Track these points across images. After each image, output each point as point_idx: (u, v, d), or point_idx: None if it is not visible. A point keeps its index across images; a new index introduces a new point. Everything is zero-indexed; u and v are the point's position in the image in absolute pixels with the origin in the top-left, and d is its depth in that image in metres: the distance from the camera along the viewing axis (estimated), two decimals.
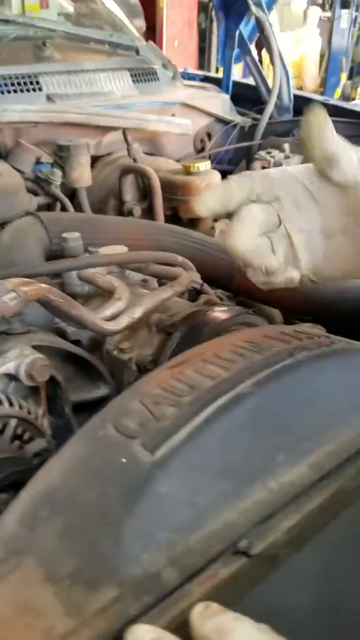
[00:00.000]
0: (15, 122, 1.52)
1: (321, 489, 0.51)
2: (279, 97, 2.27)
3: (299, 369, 0.59)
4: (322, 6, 8.15)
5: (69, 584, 0.43)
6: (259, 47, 2.39)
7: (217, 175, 1.76)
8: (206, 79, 2.60)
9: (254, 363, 0.60)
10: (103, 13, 2.34)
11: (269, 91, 2.27)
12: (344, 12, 6.92)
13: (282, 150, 2.04)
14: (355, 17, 7.24)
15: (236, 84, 2.44)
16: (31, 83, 1.69)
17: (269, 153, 2.02)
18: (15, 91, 1.65)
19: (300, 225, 0.65)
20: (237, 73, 3.08)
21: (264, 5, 2.19)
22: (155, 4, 5.87)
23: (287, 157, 2.04)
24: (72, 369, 0.80)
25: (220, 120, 2.21)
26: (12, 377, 0.71)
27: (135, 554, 0.43)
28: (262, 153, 2.03)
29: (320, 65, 7.87)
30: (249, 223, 0.65)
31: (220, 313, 0.84)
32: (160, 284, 1.01)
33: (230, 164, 2.29)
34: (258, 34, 2.34)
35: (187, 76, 2.57)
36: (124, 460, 0.50)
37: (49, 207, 1.57)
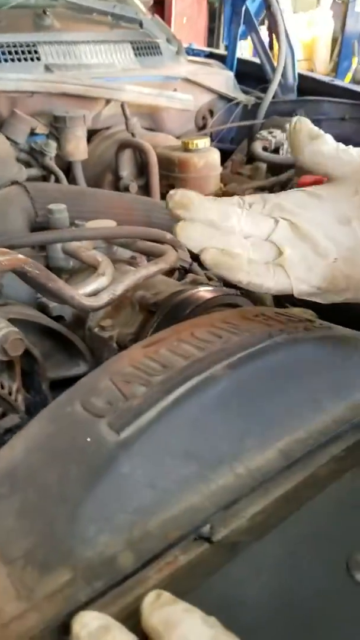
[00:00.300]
0: (10, 90, 1.49)
1: (289, 476, 0.49)
2: (284, 75, 2.22)
3: (276, 352, 0.58)
4: None
5: (23, 565, 0.42)
6: (271, 31, 2.34)
7: (216, 153, 1.73)
8: (211, 56, 2.55)
9: (230, 344, 0.58)
10: None
11: (274, 70, 2.22)
12: None
13: (284, 130, 2.00)
14: None
15: (241, 61, 2.40)
16: (29, 52, 1.66)
17: (270, 133, 1.98)
18: (12, 60, 1.62)
19: (310, 217, 0.58)
20: (248, 53, 3.03)
21: None
22: None
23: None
24: (51, 345, 0.78)
25: (223, 97, 2.17)
26: None
27: (91, 536, 0.42)
28: (264, 133, 1.99)
29: (333, 48, 7.73)
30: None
31: (204, 293, 0.82)
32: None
33: (232, 143, 2.25)
34: (265, 11, 2.29)
35: (191, 52, 2.52)
36: (88, 439, 0.49)
37: (43, 180, 1.54)
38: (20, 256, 0.67)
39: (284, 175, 1.84)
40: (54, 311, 0.85)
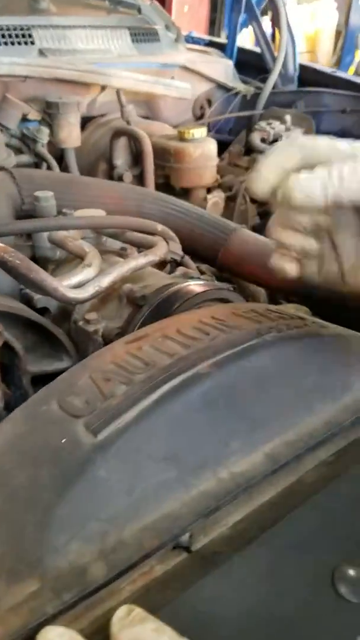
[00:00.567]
0: (2, 75, 1.45)
1: (275, 482, 0.47)
2: (284, 65, 2.18)
3: (264, 350, 0.55)
4: None
5: None
6: (274, 22, 2.29)
7: (213, 144, 1.69)
8: (211, 44, 2.50)
9: (217, 342, 0.56)
10: None
11: (275, 60, 2.18)
12: None
13: (283, 121, 1.97)
14: None
15: (241, 51, 2.35)
16: (23, 36, 1.61)
17: (269, 124, 1.94)
18: (5, 43, 1.57)
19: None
20: (250, 44, 2.98)
21: None
22: None
23: (287, 129, 1.96)
24: (33, 338, 0.76)
25: (221, 86, 2.13)
26: None
27: (61, 544, 0.40)
28: (262, 124, 1.95)
29: (336, 41, 7.65)
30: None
31: (194, 286, 0.79)
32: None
33: (230, 134, 2.21)
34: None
35: (191, 40, 2.48)
36: (63, 440, 0.47)
37: (35, 167, 1.51)
38: (0, 244, 0.64)
39: None
40: (39, 303, 0.82)
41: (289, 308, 0.83)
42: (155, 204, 1.14)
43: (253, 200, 1.80)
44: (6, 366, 0.71)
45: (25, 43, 1.61)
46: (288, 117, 1.98)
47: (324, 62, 7.46)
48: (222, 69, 2.16)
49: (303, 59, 2.32)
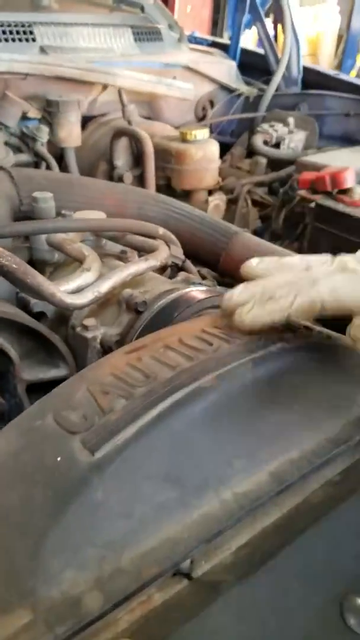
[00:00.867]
0: (2, 72, 1.43)
1: (280, 503, 0.45)
2: (288, 67, 2.16)
3: (269, 363, 0.53)
4: None
5: None
6: (275, 23, 2.27)
7: (215, 145, 1.67)
8: (214, 45, 2.48)
9: (220, 353, 0.53)
10: None
11: (278, 61, 2.16)
12: None
13: (286, 124, 1.95)
14: None
15: (245, 52, 2.33)
16: (24, 33, 1.59)
17: (272, 126, 1.92)
18: (6, 40, 1.55)
19: None
20: (253, 45, 2.96)
21: None
22: None
23: (290, 132, 1.94)
24: (29, 345, 0.73)
25: (224, 88, 2.11)
26: None
27: (55, 572, 0.37)
28: (265, 126, 1.93)
29: (338, 45, 7.63)
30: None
31: (196, 293, 0.77)
32: None
33: (232, 136, 2.19)
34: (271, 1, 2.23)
35: (194, 40, 2.46)
36: (58, 459, 0.44)
37: (35, 167, 1.48)
38: None
39: (284, 171, 1.79)
40: (35, 307, 0.80)
41: None
42: (156, 206, 1.12)
43: (255, 203, 1.78)
44: (0, 373, 0.69)
45: (27, 40, 1.59)
46: (291, 120, 1.96)
47: (325, 66, 7.44)
48: (225, 69, 2.14)
49: (305, 62, 2.30)
